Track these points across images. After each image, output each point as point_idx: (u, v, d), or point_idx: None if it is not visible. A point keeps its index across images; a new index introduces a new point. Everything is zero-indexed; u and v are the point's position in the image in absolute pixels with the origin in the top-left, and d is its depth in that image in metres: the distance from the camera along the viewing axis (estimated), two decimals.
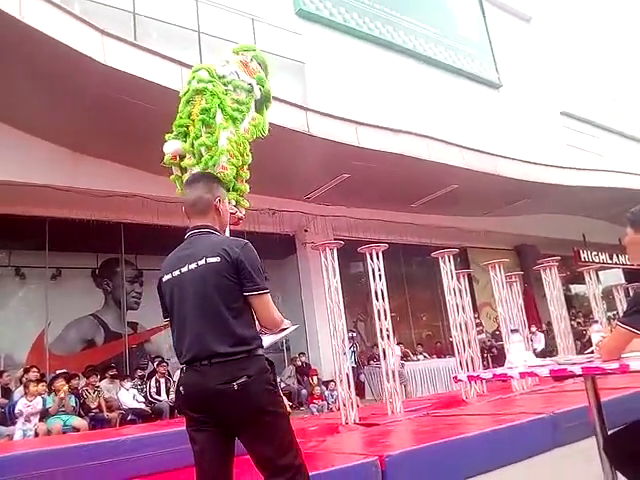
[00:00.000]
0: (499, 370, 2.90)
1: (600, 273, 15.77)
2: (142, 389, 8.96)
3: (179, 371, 2.23)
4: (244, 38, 10.69)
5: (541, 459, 4.41)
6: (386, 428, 5.48)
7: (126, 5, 9.80)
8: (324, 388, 10.00)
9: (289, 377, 10.66)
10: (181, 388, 2.12)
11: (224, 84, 5.88)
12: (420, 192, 11.93)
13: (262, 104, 6.25)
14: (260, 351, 2.12)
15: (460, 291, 8.03)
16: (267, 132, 6.28)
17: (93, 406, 7.91)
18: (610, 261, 16.84)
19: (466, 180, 11.30)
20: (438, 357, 12.77)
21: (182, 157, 5.87)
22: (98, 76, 6.92)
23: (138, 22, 9.83)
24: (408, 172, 10.45)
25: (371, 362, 11.17)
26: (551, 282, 9.23)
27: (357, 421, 6.06)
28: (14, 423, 6.98)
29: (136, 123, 7.68)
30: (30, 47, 6.42)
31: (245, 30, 11.14)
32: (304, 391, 10.36)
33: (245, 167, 5.99)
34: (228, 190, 5.72)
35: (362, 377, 10.95)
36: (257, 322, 2.19)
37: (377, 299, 6.74)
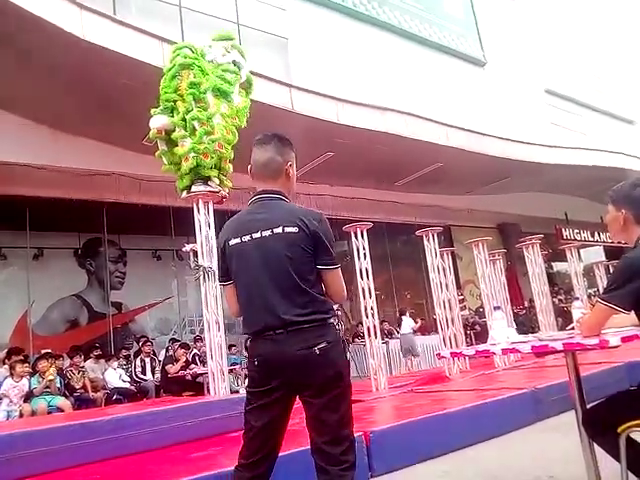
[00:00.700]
0: (482, 347, 2.93)
1: (581, 251, 15.97)
2: (127, 369, 8.96)
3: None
4: (227, 13, 10.48)
5: (523, 433, 4.51)
6: (370, 404, 5.54)
7: None
8: None
9: None
10: (255, 359, 2.06)
11: (214, 67, 5.85)
12: (404, 171, 11.93)
13: (245, 90, 6.21)
14: (333, 320, 2.12)
15: (444, 269, 8.08)
16: (246, 123, 6.24)
17: (78, 386, 7.89)
18: (591, 239, 17.06)
19: (450, 158, 11.31)
20: (422, 334, 12.89)
21: (168, 132, 5.81)
22: (77, 52, 6.76)
23: None
24: (392, 150, 10.42)
25: (356, 340, 11.26)
26: (533, 260, 9.33)
27: None
28: None
29: (117, 100, 7.54)
30: (6, 21, 6.24)
31: (228, 5, 10.91)
32: None
33: (230, 146, 5.95)
34: (211, 168, 5.69)
35: (347, 355, 11.03)
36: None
37: (362, 277, 6.77)
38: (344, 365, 2.09)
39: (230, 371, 8.54)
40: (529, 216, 16.04)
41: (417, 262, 14.10)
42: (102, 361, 8.82)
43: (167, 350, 9.58)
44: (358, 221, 7.13)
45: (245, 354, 10.09)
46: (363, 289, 6.76)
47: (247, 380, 2.18)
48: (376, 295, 6.94)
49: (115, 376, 8.50)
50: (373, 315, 6.85)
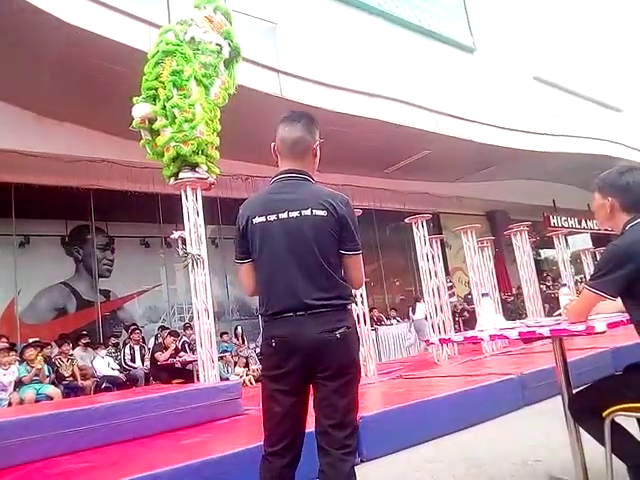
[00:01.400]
0: (470, 333, 2.96)
1: (569, 238, 16.09)
2: (116, 357, 8.94)
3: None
4: None
5: (510, 418, 4.57)
6: (360, 390, 5.57)
7: None
8: None
9: None
10: (272, 340, 2.01)
11: (194, 48, 5.75)
12: (394, 158, 11.92)
13: (231, 61, 6.13)
14: (351, 306, 2.12)
15: (433, 256, 8.13)
16: (235, 90, 6.18)
17: (67, 374, 7.86)
18: (579, 226, 17.20)
19: (439, 146, 11.31)
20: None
21: (151, 121, 5.75)
22: (61, 35, 6.64)
23: None
24: (382, 137, 10.40)
25: None
26: (521, 247, 9.41)
27: None
28: None
29: (103, 85, 7.43)
30: None
31: None
32: None
33: (215, 134, 5.91)
34: (198, 155, 5.66)
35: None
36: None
37: None
38: (358, 351, 2.09)
39: (220, 358, 8.58)
40: (517, 203, 16.13)
41: (406, 249, 14.17)
42: (90, 349, 8.78)
43: (156, 338, 9.56)
44: None
45: (235, 341, 10.20)
46: None
47: (262, 363, 2.13)
48: (365, 282, 6.96)
49: (104, 364, 8.49)
50: (362, 302, 6.88)
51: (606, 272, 2.18)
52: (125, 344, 9.27)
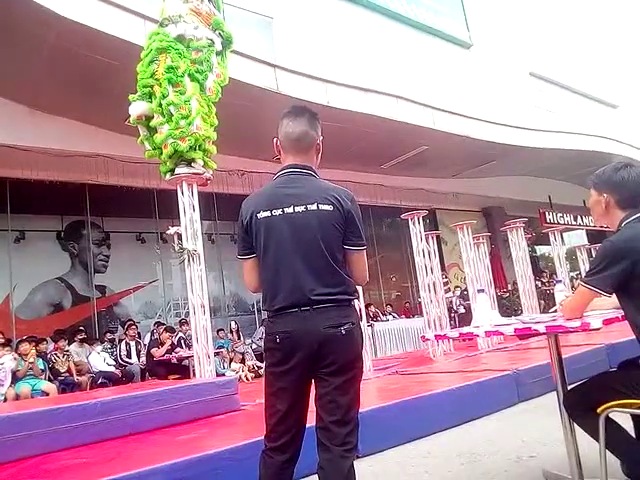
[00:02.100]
0: (465, 329, 2.96)
1: (564, 234, 16.14)
2: (112, 352, 8.93)
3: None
4: None
5: (505, 414, 4.59)
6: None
7: None
8: None
9: (260, 338, 10.74)
10: (276, 336, 1.99)
11: (185, 46, 5.72)
12: (390, 153, 11.91)
13: (223, 51, 6.10)
14: (355, 302, 2.11)
15: (429, 252, 8.14)
16: (228, 81, 6.15)
17: (62, 370, 7.85)
18: (574, 222, 17.23)
19: (436, 141, 11.31)
20: (407, 317, 13.02)
21: (148, 118, 5.73)
22: (55, 29, 6.59)
23: None
24: (378, 133, 10.39)
25: None
26: (517, 243, 9.44)
27: None
28: None
29: (98, 79, 7.40)
30: None
31: None
32: None
33: (212, 128, 5.89)
34: (195, 150, 5.64)
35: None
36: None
37: None
38: (362, 347, 2.08)
39: (216, 354, 8.58)
40: (513, 199, 16.15)
41: (402, 245, 14.19)
42: (86, 345, 8.77)
43: (152, 333, 9.56)
44: None
45: (231, 337, 10.19)
46: None
47: (266, 359, 2.10)
48: None
49: (99, 360, 8.47)
50: (358, 298, 6.87)
51: (601, 269, 2.19)
52: (121, 340, 9.27)
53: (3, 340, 7.68)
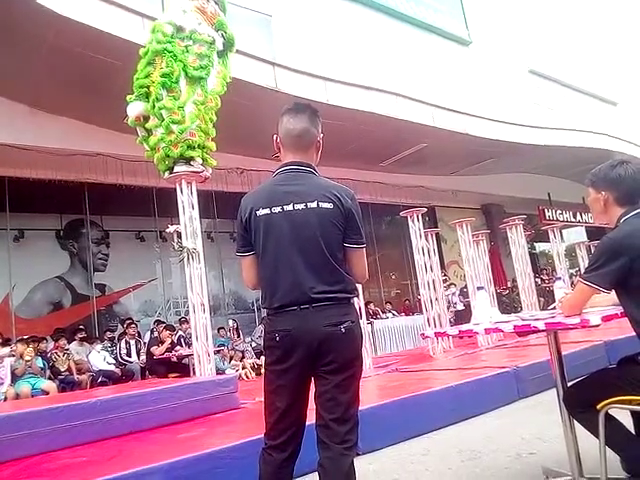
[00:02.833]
0: (465, 327, 2.96)
1: (564, 231, 16.15)
2: (112, 351, 8.94)
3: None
4: None
5: (505, 411, 4.60)
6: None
7: None
8: None
9: (260, 336, 10.75)
10: (276, 334, 1.98)
11: (183, 38, 5.69)
12: (389, 151, 11.90)
13: (224, 52, 6.09)
14: (354, 300, 2.11)
15: (428, 250, 8.13)
16: (230, 79, 6.14)
17: (63, 369, 7.86)
18: (574, 219, 17.25)
19: (435, 139, 11.30)
20: (407, 315, 13.03)
21: (146, 118, 5.72)
22: (55, 28, 6.58)
23: None
24: (378, 130, 10.38)
25: None
26: (516, 240, 9.43)
27: None
28: None
29: (97, 78, 7.39)
30: None
31: None
32: None
33: (211, 125, 5.88)
34: (194, 149, 5.64)
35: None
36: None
37: None
38: (361, 345, 2.07)
39: (217, 352, 8.60)
40: (513, 197, 16.15)
41: (402, 243, 14.18)
42: (86, 343, 8.78)
43: (152, 332, 9.56)
44: None
45: (230, 335, 10.19)
46: None
47: (265, 357, 2.09)
48: None
49: (99, 358, 8.48)
50: (358, 296, 6.87)
51: (600, 265, 2.19)
52: (121, 338, 9.27)
53: (1, 340, 7.69)
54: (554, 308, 2.82)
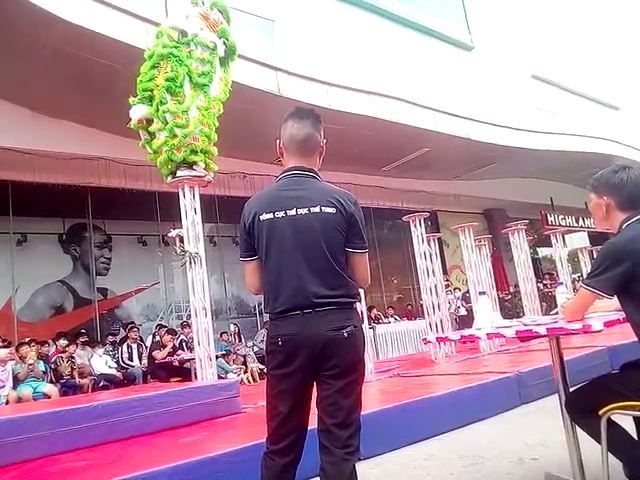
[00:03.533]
0: (467, 331, 2.96)
1: (566, 236, 16.12)
2: (114, 355, 8.94)
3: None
4: None
5: (507, 416, 4.58)
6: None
7: None
8: None
9: (262, 341, 10.73)
10: (279, 339, 1.98)
11: (186, 43, 5.72)
12: (392, 155, 11.91)
13: (226, 59, 6.11)
14: (357, 305, 2.11)
15: (430, 254, 8.13)
16: (230, 88, 6.17)
17: (66, 373, 7.85)
18: (576, 224, 17.21)
19: (438, 144, 11.31)
20: (409, 319, 13.01)
21: (149, 121, 5.74)
22: (57, 32, 6.61)
23: None
24: (380, 135, 10.39)
25: None
26: (519, 245, 9.42)
27: None
28: None
29: (100, 82, 7.41)
30: None
31: None
32: None
33: (214, 130, 5.90)
34: (196, 153, 5.65)
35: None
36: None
37: None
38: (364, 350, 2.07)
39: (223, 356, 8.62)
40: (515, 201, 16.13)
41: (404, 247, 14.16)
42: (88, 347, 8.78)
43: (154, 336, 9.55)
44: None
45: (231, 340, 10.17)
46: None
47: (268, 361, 2.09)
48: None
49: (101, 362, 8.48)
50: (360, 300, 6.87)
51: (602, 270, 2.18)
52: (123, 342, 9.27)
53: (3, 343, 7.70)
54: (556, 313, 2.81)
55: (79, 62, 7.13)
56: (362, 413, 2.08)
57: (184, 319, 10.47)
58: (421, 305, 9.35)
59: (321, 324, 1.95)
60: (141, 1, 8.33)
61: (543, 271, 18.00)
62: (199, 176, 5.76)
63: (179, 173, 5.70)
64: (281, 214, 2.03)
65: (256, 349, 10.04)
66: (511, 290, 14.44)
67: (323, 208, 2.01)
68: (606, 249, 2.23)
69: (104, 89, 7.46)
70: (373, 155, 11.46)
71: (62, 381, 7.75)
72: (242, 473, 2.99)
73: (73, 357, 8.13)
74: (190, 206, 5.79)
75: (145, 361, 8.93)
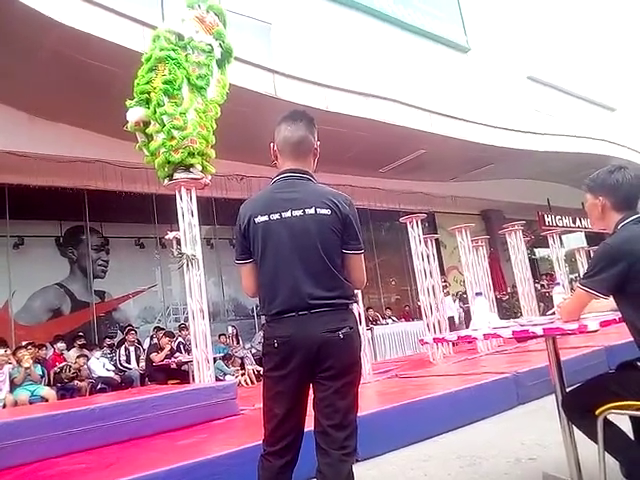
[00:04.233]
0: (464, 332, 2.97)
1: (563, 237, 16.14)
2: (112, 358, 8.92)
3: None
4: None
5: (505, 416, 4.59)
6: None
7: None
8: None
9: (259, 343, 10.72)
10: (274, 341, 1.99)
11: (183, 47, 5.73)
12: (389, 157, 11.93)
13: (223, 62, 6.12)
14: (353, 306, 2.11)
15: (428, 256, 8.13)
16: (228, 90, 6.17)
17: (65, 376, 7.83)
18: (573, 225, 17.25)
19: (434, 145, 11.33)
20: (406, 320, 13.01)
21: (146, 123, 5.74)
22: (54, 35, 6.61)
23: None
24: (377, 137, 10.40)
25: None
26: (516, 246, 9.44)
27: None
28: None
29: (96, 85, 7.40)
30: None
31: None
32: None
33: (212, 132, 5.91)
34: (193, 156, 5.65)
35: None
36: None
37: None
38: (360, 351, 2.07)
39: (223, 358, 8.61)
40: (512, 202, 16.16)
41: (401, 249, 14.18)
42: (86, 350, 8.75)
43: (151, 338, 9.54)
44: None
45: (228, 342, 10.16)
46: None
47: (264, 363, 2.09)
48: None
49: (99, 365, 8.46)
50: (357, 302, 6.88)
51: (598, 271, 2.19)
52: (120, 345, 9.25)
53: None
54: (553, 313, 2.82)
55: (75, 65, 7.12)
56: (359, 414, 2.08)
57: (182, 321, 10.46)
58: (419, 306, 9.37)
59: (317, 326, 1.96)
60: (137, 4, 8.34)
61: (540, 272, 18.05)
62: (196, 178, 5.77)
63: (176, 175, 5.70)
64: (276, 216, 2.03)
65: (254, 351, 10.02)
66: (508, 291, 14.46)
67: (318, 210, 2.02)
68: (602, 250, 2.24)
69: (101, 92, 7.45)
70: (370, 157, 11.47)
71: (59, 384, 7.72)
72: (240, 475, 2.98)
73: (80, 369, 8.09)
74: (187, 208, 5.79)
75: (143, 364, 8.91)
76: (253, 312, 12.25)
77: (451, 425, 4.27)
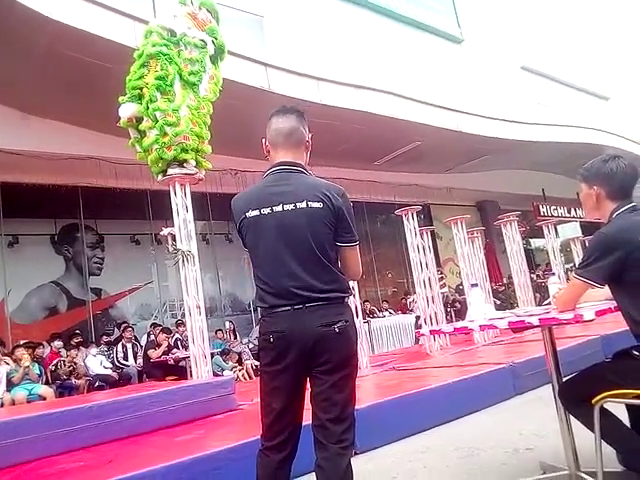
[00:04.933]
0: (460, 324, 2.97)
1: (558, 227, 16.18)
2: (109, 355, 8.91)
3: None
4: None
5: (502, 406, 4.61)
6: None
7: None
8: None
9: (257, 338, 10.70)
10: (270, 336, 1.98)
11: (175, 43, 5.69)
12: (383, 150, 11.91)
13: (216, 58, 6.08)
14: (348, 299, 2.11)
15: (423, 248, 8.14)
16: (221, 87, 6.14)
17: (62, 373, 7.82)
18: (568, 215, 17.29)
19: (429, 137, 11.32)
20: (403, 313, 13.03)
21: (138, 119, 5.70)
22: (46, 32, 6.56)
23: None
24: (371, 129, 10.39)
25: None
26: (511, 237, 9.44)
27: None
28: None
29: (89, 82, 7.36)
30: None
31: None
32: None
33: (205, 128, 5.87)
34: (187, 152, 5.62)
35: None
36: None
37: None
38: (356, 345, 2.07)
39: (221, 354, 8.61)
40: (507, 193, 16.19)
41: (397, 241, 14.20)
42: (83, 348, 8.75)
43: (149, 335, 9.54)
44: None
45: (226, 337, 10.16)
46: None
47: (260, 358, 2.09)
48: None
49: (96, 363, 8.45)
50: (354, 295, 6.88)
51: (593, 260, 2.20)
52: (117, 342, 9.24)
53: None
54: (549, 304, 2.82)
55: (68, 62, 7.07)
56: (357, 407, 2.08)
57: (178, 318, 10.45)
58: (414, 300, 9.38)
59: (312, 320, 1.96)
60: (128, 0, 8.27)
61: (536, 262, 18.09)
62: (190, 174, 5.74)
63: (170, 171, 5.67)
64: (267, 211, 2.03)
65: (251, 346, 10.02)
66: (504, 281, 14.50)
67: (310, 203, 2.01)
68: (597, 239, 2.24)
69: (94, 88, 7.40)
70: (365, 149, 11.46)
71: (57, 382, 7.72)
72: (238, 470, 2.99)
73: (75, 363, 8.08)
74: (181, 204, 5.76)
75: (140, 360, 8.92)
76: (250, 307, 12.25)
77: (448, 417, 4.28)
